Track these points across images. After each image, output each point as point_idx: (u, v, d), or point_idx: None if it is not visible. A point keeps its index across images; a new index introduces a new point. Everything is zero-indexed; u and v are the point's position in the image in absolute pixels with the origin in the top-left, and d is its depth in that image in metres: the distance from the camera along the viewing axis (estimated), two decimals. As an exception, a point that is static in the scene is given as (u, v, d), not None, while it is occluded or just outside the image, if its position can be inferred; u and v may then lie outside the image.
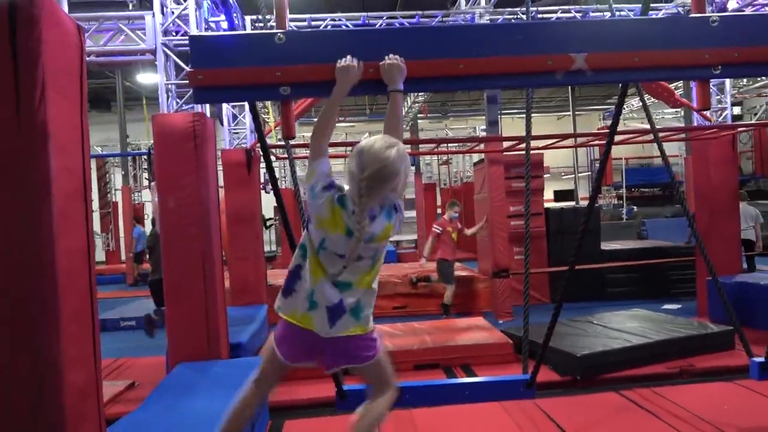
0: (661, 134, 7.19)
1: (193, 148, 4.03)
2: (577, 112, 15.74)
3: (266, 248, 15.62)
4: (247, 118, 6.62)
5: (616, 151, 17.03)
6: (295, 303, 1.93)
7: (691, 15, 2.08)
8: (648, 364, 4.58)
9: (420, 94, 12.42)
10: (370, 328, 1.99)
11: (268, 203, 13.17)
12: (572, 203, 15.14)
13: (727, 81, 6.54)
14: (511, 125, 17.07)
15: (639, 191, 17.77)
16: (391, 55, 1.99)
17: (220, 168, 5.06)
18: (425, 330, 5.47)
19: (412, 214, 14.20)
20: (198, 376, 3.62)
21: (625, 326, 5.16)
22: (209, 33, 4.74)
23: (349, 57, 1.96)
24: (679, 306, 7.22)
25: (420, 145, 10.64)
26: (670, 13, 7.07)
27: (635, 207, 15.91)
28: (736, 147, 6.29)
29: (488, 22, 6.61)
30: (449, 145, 10.80)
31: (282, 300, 1.98)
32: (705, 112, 6.26)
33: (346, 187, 1.86)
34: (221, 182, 5.32)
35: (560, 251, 7.99)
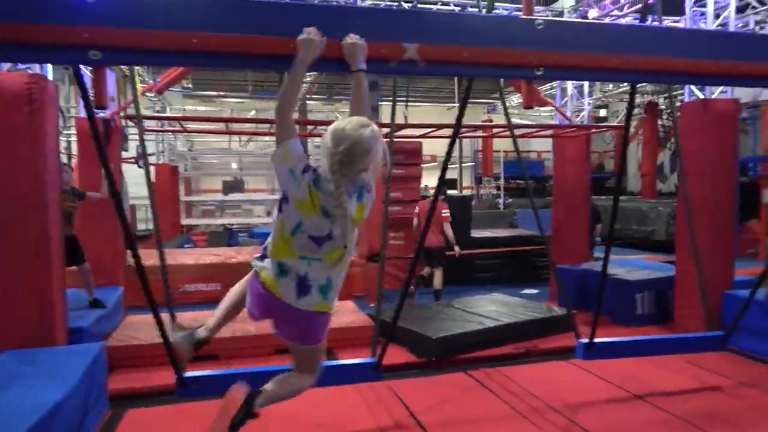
0: (528, 130, 7.71)
1: (28, 113, 3.61)
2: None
3: (141, 226, 14.73)
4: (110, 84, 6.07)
5: (497, 144, 18.01)
6: (268, 267, 1.99)
7: (520, 17, 2.18)
8: (498, 346, 4.89)
9: (308, 74, 12.19)
10: (332, 310, 2.06)
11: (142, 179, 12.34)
12: (456, 191, 15.82)
13: (586, 85, 7.07)
14: (404, 112, 17.35)
15: (516, 183, 18.88)
16: (351, 35, 1.97)
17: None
18: (293, 314, 5.42)
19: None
20: (23, 366, 3.29)
21: (482, 310, 5.46)
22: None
23: (313, 29, 1.90)
24: (537, 291, 7.78)
25: (308, 127, 10.51)
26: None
27: (510, 198, 16.92)
28: (590, 146, 6.85)
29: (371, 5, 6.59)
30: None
31: (257, 262, 2.05)
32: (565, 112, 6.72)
33: (320, 168, 1.89)
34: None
35: (434, 237, 8.27)
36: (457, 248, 6.80)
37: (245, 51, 1.82)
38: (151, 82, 7.61)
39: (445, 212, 6.68)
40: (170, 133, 13.16)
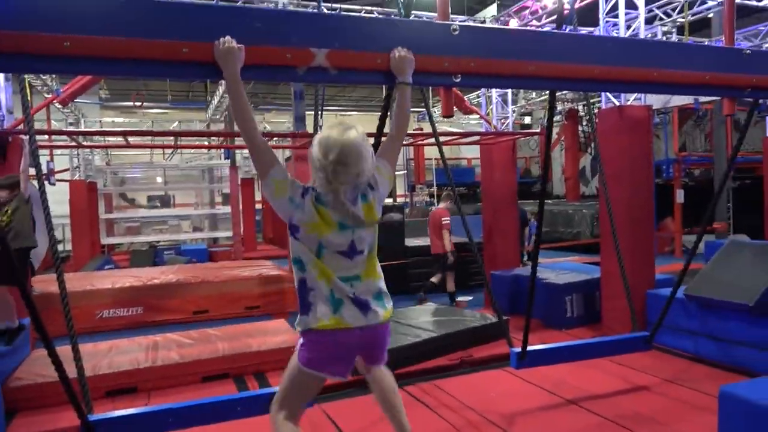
0: (454, 138, 7.78)
1: None
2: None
3: (59, 247, 13.77)
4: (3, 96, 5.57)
5: (428, 151, 18.22)
6: (319, 313, 1.87)
7: (436, 21, 2.10)
8: (433, 358, 4.81)
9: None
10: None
11: (60, 197, 11.53)
12: (389, 200, 15.78)
13: (510, 93, 7.20)
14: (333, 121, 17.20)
15: (448, 189, 19.14)
16: (400, 48, 1.97)
17: None
18: (220, 336, 5.12)
19: (228, 209, 13.54)
20: None
21: (416, 321, 5.37)
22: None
23: (228, 38, 1.75)
24: (471, 297, 7.81)
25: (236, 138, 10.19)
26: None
27: (444, 205, 17.10)
28: (515, 152, 6.97)
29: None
30: (269, 140, 10.48)
31: (304, 318, 1.91)
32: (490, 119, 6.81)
33: (315, 183, 1.85)
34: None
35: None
36: (449, 255, 7.00)
37: (127, 56, 1.61)
38: (54, 93, 7.08)
39: (446, 220, 6.95)
40: (86, 148, 12.37)
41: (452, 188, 3.93)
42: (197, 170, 18.67)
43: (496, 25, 7.51)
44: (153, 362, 4.45)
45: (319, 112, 5.20)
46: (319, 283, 1.86)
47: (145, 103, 15.07)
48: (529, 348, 3.63)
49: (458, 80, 2.03)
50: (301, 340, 1.96)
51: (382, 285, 1.99)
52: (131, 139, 8.96)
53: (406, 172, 19.60)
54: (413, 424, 3.48)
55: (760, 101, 7.37)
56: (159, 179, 19.97)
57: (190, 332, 5.32)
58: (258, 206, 16.57)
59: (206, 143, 11.90)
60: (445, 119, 18.89)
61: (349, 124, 1.85)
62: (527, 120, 18.53)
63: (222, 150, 14.93)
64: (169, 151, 17.23)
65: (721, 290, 4.32)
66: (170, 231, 17.83)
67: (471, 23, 7.57)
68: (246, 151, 17.48)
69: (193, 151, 17.94)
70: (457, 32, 2.00)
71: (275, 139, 8.77)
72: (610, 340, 4.05)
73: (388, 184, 1.99)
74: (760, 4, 7.12)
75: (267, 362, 4.68)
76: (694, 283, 4.60)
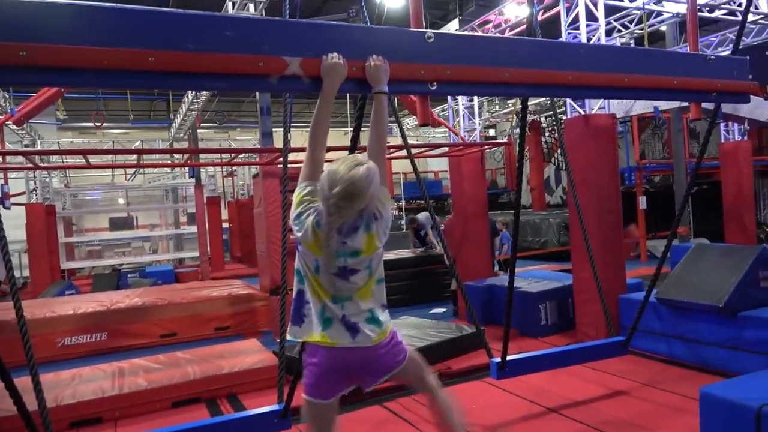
0: (425, 150, 7.80)
1: None
2: (362, 128, 16.47)
3: (16, 273, 13.20)
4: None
5: (396, 166, 18.28)
6: (310, 327, 1.92)
7: (410, 29, 2.08)
8: (412, 371, 4.74)
9: (196, 101, 11.64)
10: (390, 330, 1.99)
11: (16, 221, 11.07)
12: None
13: (476, 106, 7.27)
14: (301, 138, 17.14)
15: (417, 203, 19.22)
16: (374, 56, 1.97)
17: None
18: (190, 359, 4.93)
19: (193, 229, 13.23)
20: None
21: (392, 335, 5.30)
22: None
23: (336, 54, 1.88)
24: (445, 309, 7.79)
25: (201, 156, 10.00)
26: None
27: (413, 218, 17.13)
28: (484, 163, 7.03)
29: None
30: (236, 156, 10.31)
31: (296, 329, 1.95)
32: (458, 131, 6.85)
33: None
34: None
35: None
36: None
37: (90, 65, 1.52)
38: (8, 113, 6.79)
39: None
40: (44, 170, 11.95)
41: (426, 200, 3.91)
42: (160, 190, 18.28)
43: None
44: (119, 390, 4.25)
45: (289, 127, 5.11)
46: (313, 299, 1.91)
47: (105, 123, 14.69)
48: (509, 357, 3.61)
49: (434, 88, 2.00)
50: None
51: (378, 307, 1.97)
52: (92, 160, 8.71)
53: (374, 186, 19.61)
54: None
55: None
56: (121, 200, 19.47)
57: (158, 356, 5.11)
58: (225, 225, 16.28)
59: (169, 162, 11.63)
60: (412, 133, 19.02)
61: (361, 160, 1.86)
62: (491, 132, 18.82)
63: (186, 169, 14.64)
64: (131, 171, 16.81)
65: (691, 292, 4.40)
66: (134, 253, 17.34)
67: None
68: (210, 169, 17.14)
69: (156, 170, 17.55)
70: (432, 40, 1.98)
71: (243, 155, 8.65)
72: (587, 346, 4.06)
73: (389, 206, 2.01)
74: (711, 15, 7.42)
75: (240, 384, 4.53)
76: (664, 286, 4.67)
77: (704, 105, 3.55)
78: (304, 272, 1.93)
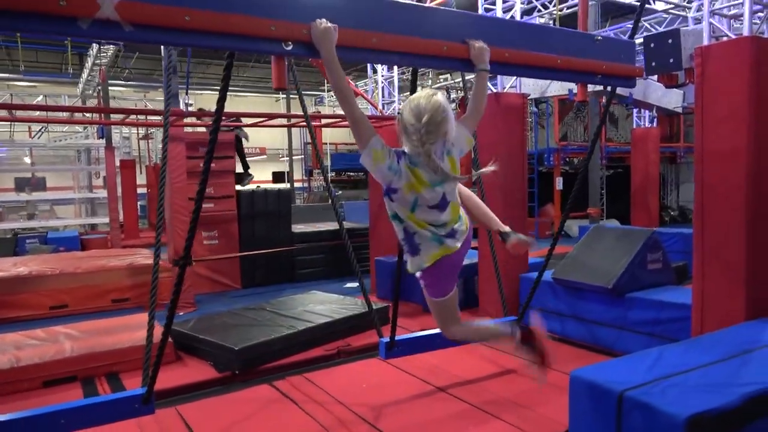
0: (338, 120, 7.59)
1: None
2: (293, 96, 15.93)
3: None
4: None
5: (326, 135, 17.92)
6: (428, 250, 2.21)
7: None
8: (310, 348, 4.62)
9: (104, 57, 10.80)
10: (468, 223, 2.36)
11: None
12: (287, 185, 15.30)
13: (396, 77, 7.09)
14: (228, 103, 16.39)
15: (347, 175, 18.98)
16: (479, 40, 2.31)
17: None
18: (71, 335, 4.58)
19: (104, 193, 12.42)
20: None
21: (295, 311, 5.14)
22: None
23: (324, 20, 1.95)
24: (358, 284, 7.69)
25: (111, 115, 9.32)
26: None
27: (340, 190, 16.93)
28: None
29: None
30: (150, 117, 9.66)
31: (416, 258, 2.24)
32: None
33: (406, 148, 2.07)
34: None
35: (251, 235, 7.81)
36: None
37: None
38: None
39: None
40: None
41: (324, 171, 3.73)
42: (72, 150, 17.07)
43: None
44: (-19, 368, 3.87)
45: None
46: (419, 230, 2.18)
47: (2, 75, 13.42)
48: (398, 337, 3.54)
49: (290, 48, 1.80)
50: (422, 282, 2.31)
51: (463, 218, 2.30)
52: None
53: (303, 156, 19.18)
54: (276, 424, 3.29)
55: (628, 93, 7.78)
56: (27, 159, 18.04)
57: (36, 331, 4.72)
58: (142, 190, 15.42)
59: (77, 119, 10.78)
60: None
61: (434, 91, 2.09)
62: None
63: (96, 128, 13.68)
64: (37, 128, 15.56)
65: (584, 273, 4.50)
66: (41, 217, 16.15)
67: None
68: (125, 129, 16.12)
69: (66, 128, 16.34)
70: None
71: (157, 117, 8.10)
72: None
73: (467, 145, 2.26)
74: (627, 1, 7.54)
75: (122, 362, 4.25)
76: (561, 266, 4.76)
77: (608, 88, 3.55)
78: (402, 216, 2.17)
